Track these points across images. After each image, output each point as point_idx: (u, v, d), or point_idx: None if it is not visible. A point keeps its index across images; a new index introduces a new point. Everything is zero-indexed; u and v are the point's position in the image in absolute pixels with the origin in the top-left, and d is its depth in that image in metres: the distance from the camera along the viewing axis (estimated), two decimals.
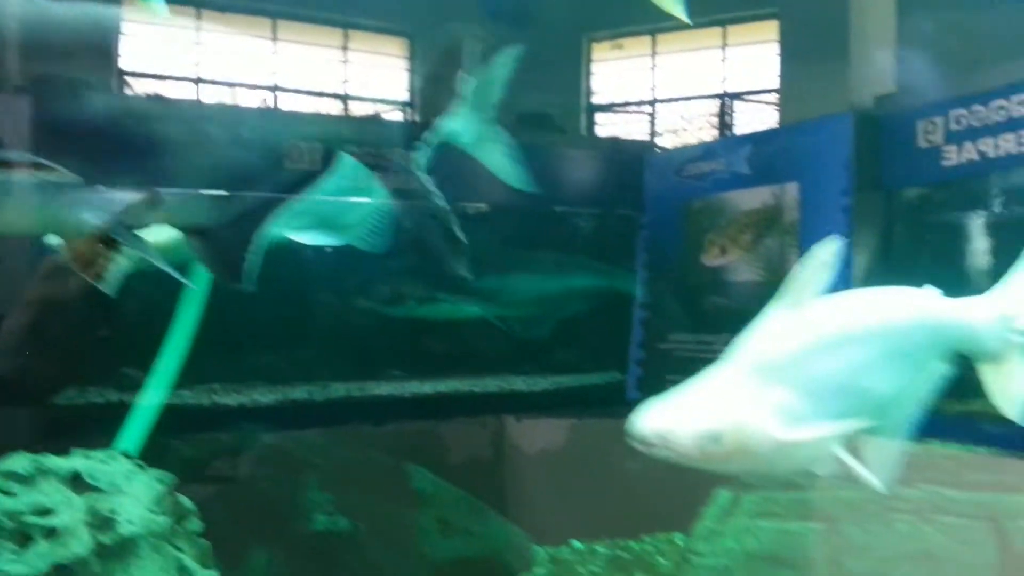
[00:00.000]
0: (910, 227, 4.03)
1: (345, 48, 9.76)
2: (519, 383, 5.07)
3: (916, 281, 4.07)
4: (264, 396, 3.97)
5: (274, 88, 9.51)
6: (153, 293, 3.01)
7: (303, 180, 2.44)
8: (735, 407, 1.98)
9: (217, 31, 9.19)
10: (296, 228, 2.26)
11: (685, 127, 9.95)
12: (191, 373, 2.91)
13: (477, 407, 4.86)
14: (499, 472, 4.84)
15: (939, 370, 2.29)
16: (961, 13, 4.29)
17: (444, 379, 4.88)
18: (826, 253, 2.13)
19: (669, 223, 5.17)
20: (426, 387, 4.78)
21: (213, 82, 9.35)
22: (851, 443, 2.18)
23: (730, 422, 1.95)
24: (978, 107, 3.51)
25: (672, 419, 1.97)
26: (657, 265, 5.26)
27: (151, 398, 2.37)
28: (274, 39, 9.48)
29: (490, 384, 5.01)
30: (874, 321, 2.22)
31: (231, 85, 9.38)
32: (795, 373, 2.04)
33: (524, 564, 4.27)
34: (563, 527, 4.86)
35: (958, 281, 3.85)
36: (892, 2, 4.43)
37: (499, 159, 2.46)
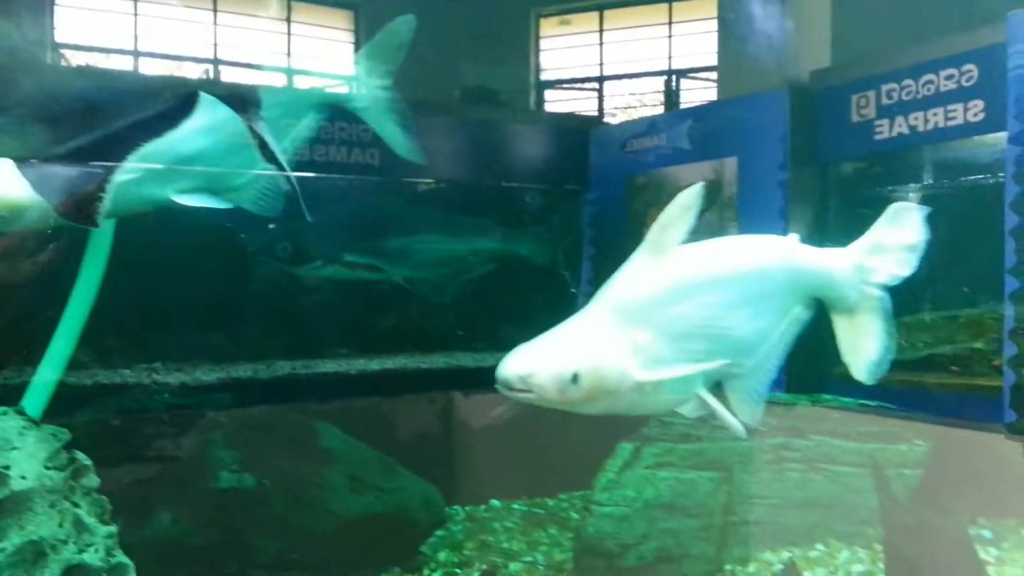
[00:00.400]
0: (845, 200, 4.10)
1: (288, 20, 9.56)
2: (467, 360, 5.09)
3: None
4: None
5: (215, 61, 9.28)
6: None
7: (162, 118, 2.37)
8: (594, 349, 2.02)
9: (156, 1, 8.93)
10: (182, 191, 2.19)
11: (634, 104, 9.99)
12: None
13: (426, 384, 4.85)
14: (438, 442, 4.91)
15: (800, 315, 2.36)
16: None
17: (393, 356, 4.86)
18: (688, 198, 2.18)
19: (614, 198, 5.20)
20: (373, 364, 4.76)
21: (151, 54, 9.09)
22: (715, 386, 2.26)
23: (589, 363, 1.99)
24: (908, 81, 3.58)
25: (532, 362, 2.00)
26: (602, 240, 5.29)
27: (50, 367, 2.32)
28: (215, 10, 9.24)
29: (438, 361, 5.02)
30: (735, 266, 2.27)
31: (170, 57, 9.13)
32: (656, 316, 2.08)
33: (437, 521, 4.33)
34: (488, 490, 5.00)
35: None
36: None
37: (390, 127, 2.44)
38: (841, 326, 2.49)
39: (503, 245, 5.09)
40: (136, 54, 9.10)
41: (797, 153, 3.95)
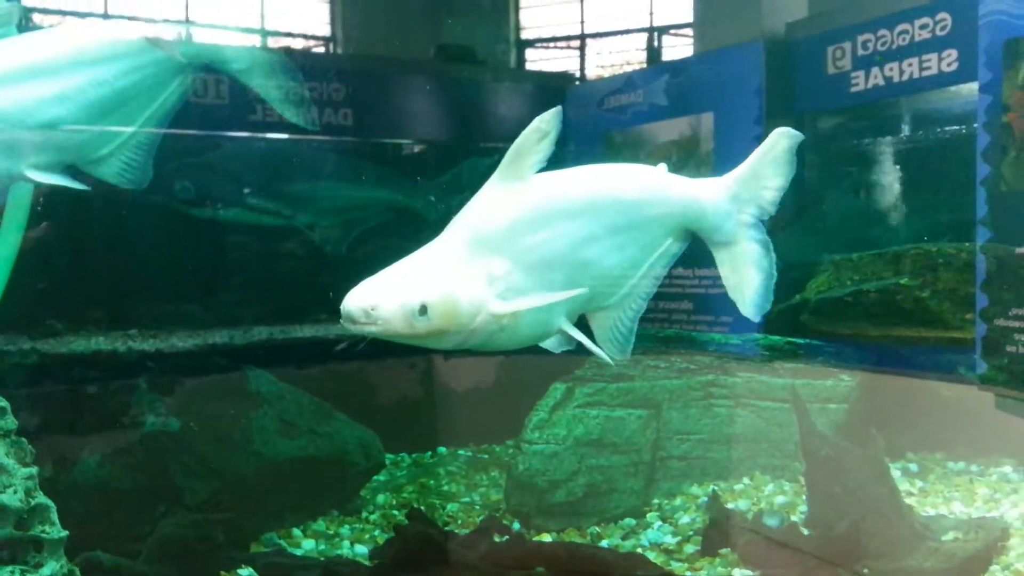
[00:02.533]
0: (822, 154, 4.08)
1: None
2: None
3: (826, 203, 4.18)
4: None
5: (187, 23, 9.09)
6: None
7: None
8: (443, 279, 1.91)
9: None
10: (38, 166, 2.02)
11: (616, 62, 9.86)
12: None
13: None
14: (388, 393, 4.95)
15: (671, 248, 2.27)
16: None
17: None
18: (545, 122, 2.08)
19: (591, 156, 5.15)
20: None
21: (121, 16, 8.89)
22: (582, 319, 2.19)
23: (437, 294, 1.88)
24: (884, 32, 3.53)
25: (376, 294, 1.88)
26: None
27: None
28: None
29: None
30: (596, 193, 2.17)
31: (139, 19, 8.93)
32: (512, 244, 1.98)
33: (375, 465, 4.37)
34: (438, 439, 5.08)
35: (869, 204, 3.95)
36: None
37: (274, 92, 2.25)
38: (721, 260, 2.34)
39: (396, 196, 5.04)
40: (105, 16, 8.91)
41: (773, 106, 3.91)
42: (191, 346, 4.22)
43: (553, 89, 5.50)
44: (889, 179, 3.79)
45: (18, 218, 2.17)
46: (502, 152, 5.56)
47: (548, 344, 2.20)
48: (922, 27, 3.39)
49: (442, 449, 5.18)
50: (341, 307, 1.90)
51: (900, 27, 3.48)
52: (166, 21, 8.97)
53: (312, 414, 4.30)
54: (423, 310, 1.86)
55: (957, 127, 3.48)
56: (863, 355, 3.64)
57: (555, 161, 5.54)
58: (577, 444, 4.15)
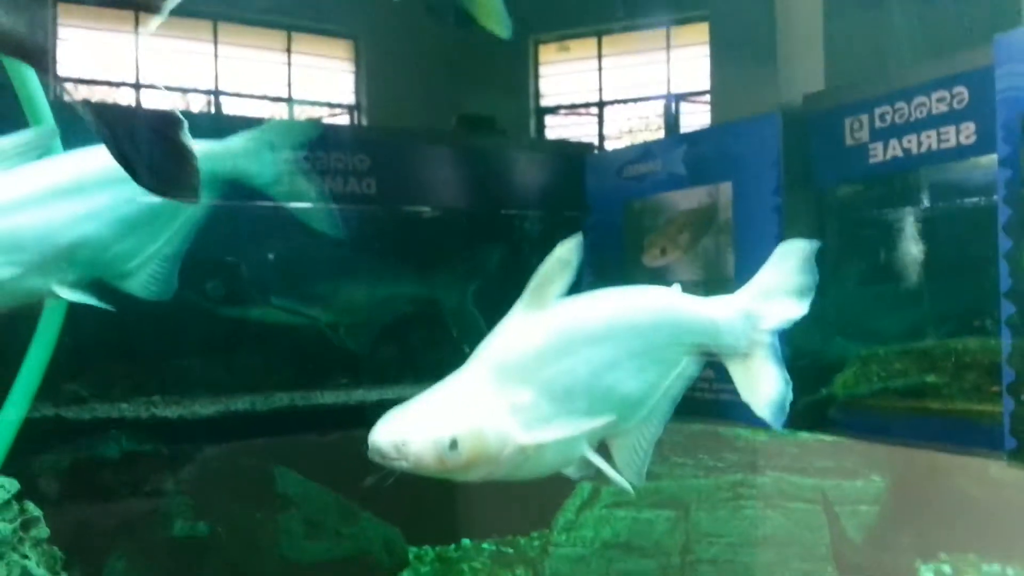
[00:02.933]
0: (841, 224, 4.08)
1: (288, 51, 9.64)
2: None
3: (850, 276, 4.17)
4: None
5: (216, 92, 9.36)
6: None
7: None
8: (472, 412, 1.89)
9: (158, 34, 9.02)
10: (66, 282, 2.01)
11: (633, 129, 10.01)
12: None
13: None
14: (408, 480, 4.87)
15: (687, 368, 2.26)
16: (884, 12, 4.39)
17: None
18: (566, 252, 2.09)
19: (611, 224, 5.19)
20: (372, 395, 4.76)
21: (152, 87, 9.17)
22: (600, 442, 2.15)
23: (467, 428, 1.86)
24: (901, 104, 3.57)
25: (407, 428, 1.86)
26: (601, 267, 5.27)
27: (10, 413, 2.26)
28: (215, 42, 9.33)
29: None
30: (616, 320, 2.18)
31: (171, 89, 9.21)
32: (537, 374, 1.98)
33: (400, 563, 4.29)
34: (460, 529, 4.97)
35: (888, 275, 3.93)
36: (818, 2, 4.49)
37: (304, 201, 2.27)
38: (736, 372, 2.34)
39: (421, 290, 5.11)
40: (138, 86, 9.19)
41: (791, 177, 3.93)
42: (213, 413, 4.23)
43: (573, 158, 5.58)
44: (910, 251, 3.79)
45: (50, 336, 2.18)
46: (523, 220, 5.57)
47: (568, 471, 2.18)
48: (939, 100, 3.42)
49: (466, 541, 5.07)
50: (369, 441, 1.89)
51: (917, 100, 3.52)
52: (196, 91, 9.24)
53: (338, 514, 4.26)
54: (453, 444, 1.85)
55: (979, 199, 3.48)
56: (890, 429, 3.58)
57: (575, 230, 5.58)
58: (605, 547, 4.06)
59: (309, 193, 2.25)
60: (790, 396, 2.31)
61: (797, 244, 2.37)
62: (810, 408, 3.63)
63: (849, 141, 3.79)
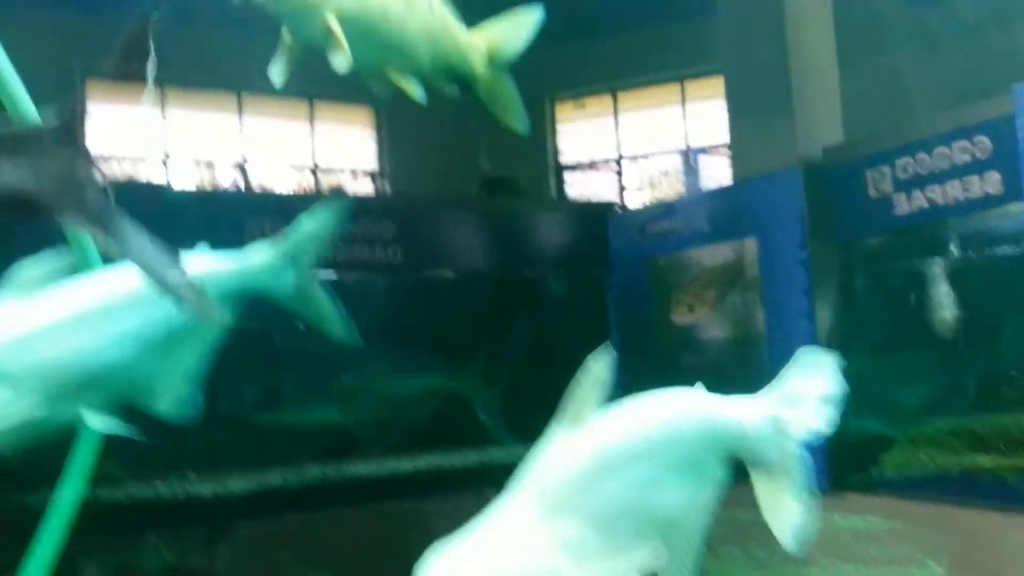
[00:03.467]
0: (871, 276, 4.06)
1: (311, 119, 9.86)
2: (499, 455, 5.00)
3: (880, 330, 4.11)
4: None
5: (242, 162, 9.56)
6: None
7: None
8: (523, 551, 1.82)
9: (182, 108, 9.26)
10: (94, 408, 1.98)
11: (652, 183, 10.07)
12: None
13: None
14: None
15: (720, 477, 2.13)
16: (900, 61, 4.41)
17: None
18: (599, 368, 2.03)
19: (636, 282, 5.20)
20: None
21: (182, 159, 9.39)
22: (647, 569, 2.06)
23: (520, 570, 1.78)
24: (922, 155, 3.57)
25: (458, 571, 1.78)
26: (627, 325, 5.27)
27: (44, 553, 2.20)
28: (240, 113, 9.56)
29: (470, 458, 4.94)
30: (656, 433, 2.08)
31: (198, 162, 9.43)
32: (582, 501, 1.90)
33: None
34: None
35: (918, 327, 3.88)
36: (832, 54, 4.53)
37: (318, 313, 2.27)
38: (759, 484, 2.28)
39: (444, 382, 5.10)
40: (166, 161, 9.41)
41: (816, 231, 3.93)
42: (245, 490, 4.21)
43: (596, 216, 5.62)
44: (942, 306, 3.74)
45: (85, 468, 2.16)
46: (548, 281, 5.52)
47: None
48: (961, 150, 3.42)
49: None
50: None
51: (939, 150, 3.52)
52: (221, 164, 9.43)
53: None
54: None
55: (1012, 247, 3.46)
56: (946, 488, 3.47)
57: (601, 289, 5.55)
58: None
59: (326, 304, 2.25)
60: (814, 524, 2.21)
61: (822, 356, 2.29)
62: (858, 487, 3.53)
63: (872, 193, 3.79)
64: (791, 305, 4.00)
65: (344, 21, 2.04)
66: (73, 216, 1.06)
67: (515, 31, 2.34)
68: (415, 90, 2.23)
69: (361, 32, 2.12)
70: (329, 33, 2.04)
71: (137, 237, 1.16)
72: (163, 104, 9.34)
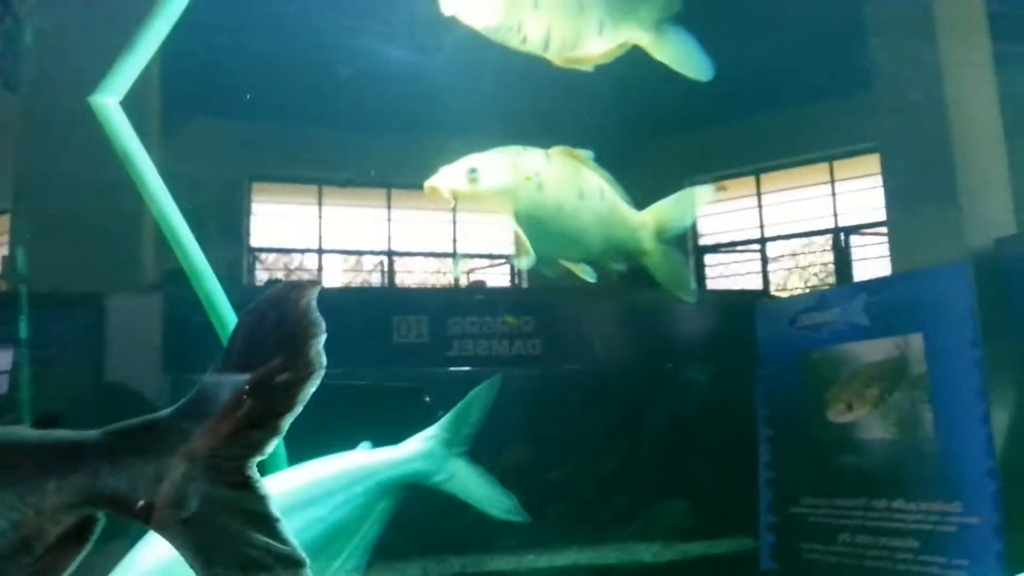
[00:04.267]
0: None
1: (454, 209, 10.20)
2: (643, 553, 4.82)
3: None
4: None
5: (389, 252, 9.97)
6: None
7: None
8: None
9: (337, 204, 9.82)
10: None
11: (800, 263, 9.72)
12: None
13: None
14: None
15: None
16: None
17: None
18: None
19: (787, 376, 4.95)
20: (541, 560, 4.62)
21: (334, 251, 9.90)
22: None
23: None
24: None
25: None
26: (778, 420, 5.00)
27: None
28: (388, 207, 10.02)
29: (610, 555, 4.78)
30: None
31: (350, 253, 9.91)
32: None
33: None
34: None
35: None
36: (999, 135, 4.26)
37: (475, 492, 2.44)
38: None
39: None
40: (320, 251, 9.94)
41: (990, 328, 3.63)
42: None
43: (741, 306, 5.43)
44: None
45: None
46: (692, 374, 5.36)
47: None
48: None
49: None
50: None
51: None
52: (370, 252, 9.87)
53: None
54: None
55: None
56: None
57: (747, 382, 5.33)
58: None
59: (484, 485, 2.38)
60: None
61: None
62: None
63: None
64: (964, 407, 3.69)
65: (523, 221, 2.21)
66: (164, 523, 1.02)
67: (681, 209, 2.59)
68: (585, 272, 2.37)
69: (538, 230, 2.29)
70: (515, 239, 2.23)
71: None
72: (320, 200, 9.92)
